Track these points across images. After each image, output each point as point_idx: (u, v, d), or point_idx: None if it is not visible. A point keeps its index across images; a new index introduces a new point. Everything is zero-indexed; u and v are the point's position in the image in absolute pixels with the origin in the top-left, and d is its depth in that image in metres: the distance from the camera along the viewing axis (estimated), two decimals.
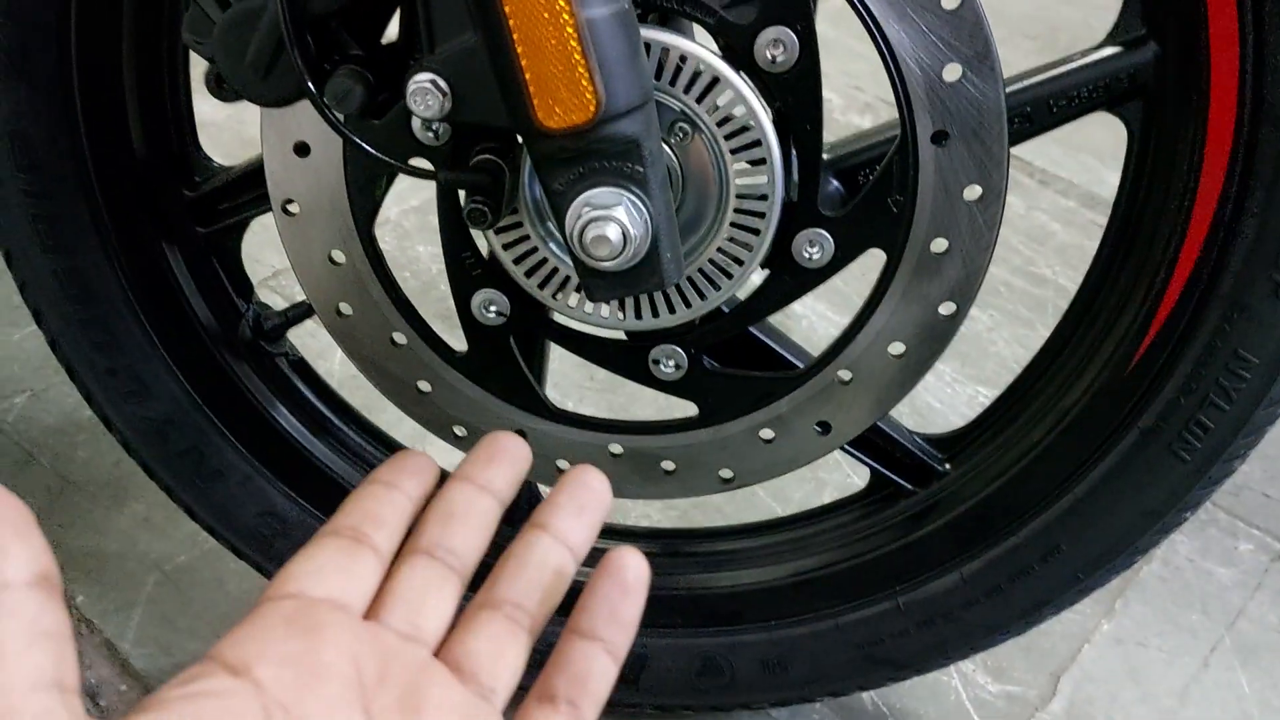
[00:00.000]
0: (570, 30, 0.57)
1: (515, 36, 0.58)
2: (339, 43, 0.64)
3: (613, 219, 0.62)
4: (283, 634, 0.45)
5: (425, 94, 0.62)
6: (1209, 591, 1.15)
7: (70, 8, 0.72)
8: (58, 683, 0.36)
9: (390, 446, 0.90)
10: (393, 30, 0.67)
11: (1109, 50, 0.72)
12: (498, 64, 0.59)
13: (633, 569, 0.51)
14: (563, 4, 0.57)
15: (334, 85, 0.62)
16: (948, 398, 1.29)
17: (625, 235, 0.62)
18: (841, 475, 1.18)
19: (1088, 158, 1.70)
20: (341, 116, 0.64)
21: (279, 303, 0.94)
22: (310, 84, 0.61)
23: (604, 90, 0.59)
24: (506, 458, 0.56)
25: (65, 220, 0.78)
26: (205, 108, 0.80)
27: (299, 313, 0.87)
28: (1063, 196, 1.64)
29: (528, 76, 0.58)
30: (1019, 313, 1.43)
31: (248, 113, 0.69)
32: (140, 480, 1.12)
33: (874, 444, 0.85)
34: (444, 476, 0.56)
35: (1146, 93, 0.72)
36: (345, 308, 0.77)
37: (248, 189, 0.82)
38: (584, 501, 0.55)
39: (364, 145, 0.64)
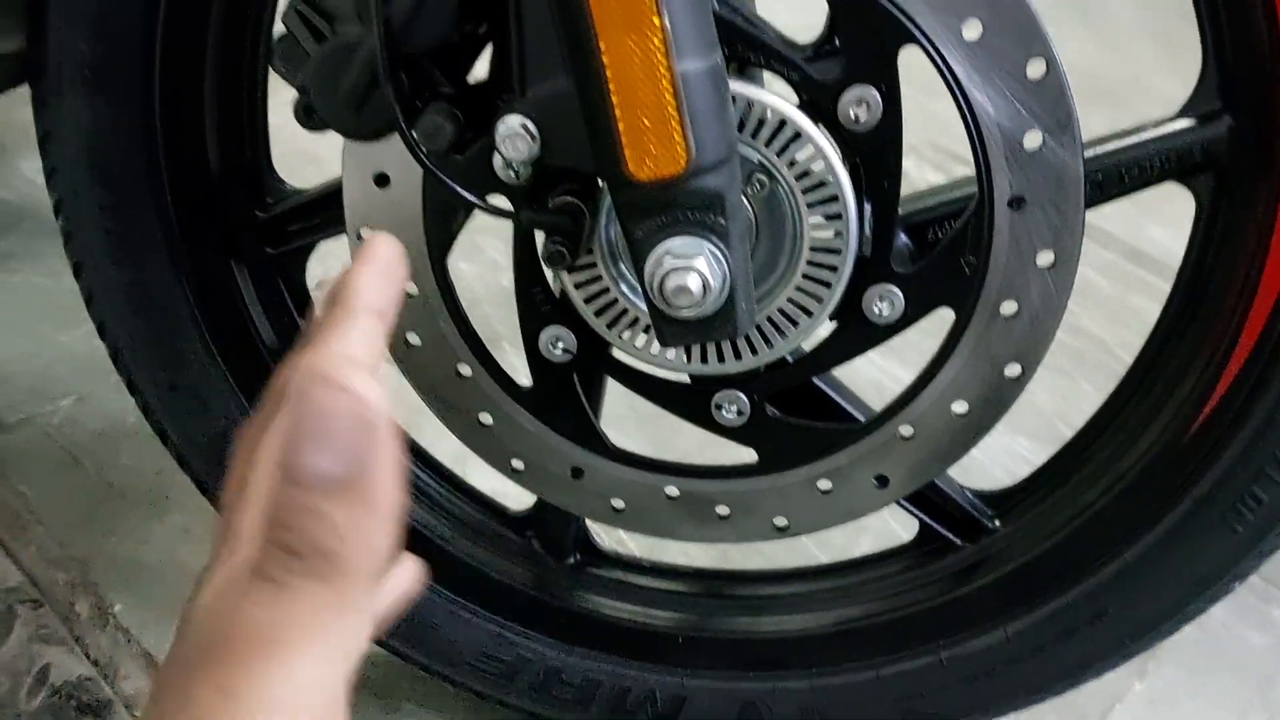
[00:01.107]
0: (666, 84, 0.58)
1: (612, 87, 0.58)
2: (430, 80, 0.65)
3: (694, 269, 0.63)
4: None
5: (515, 137, 0.63)
6: (1241, 656, 1.15)
7: (156, 27, 0.73)
8: None
9: (431, 465, 0.91)
10: (480, 68, 0.68)
11: (1183, 123, 0.73)
12: (591, 113, 0.60)
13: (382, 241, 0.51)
14: (661, 57, 0.58)
15: (425, 123, 0.63)
16: (986, 448, 1.29)
17: (705, 286, 0.63)
18: (881, 521, 1.17)
19: (1129, 208, 1.70)
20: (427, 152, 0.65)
21: None
22: (402, 121, 0.62)
23: (694, 144, 0.60)
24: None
25: (138, 235, 0.79)
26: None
27: None
28: (1104, 248, 1.64)
29: (621, 127, 0.59)
30: (1059, 364, 1.43)
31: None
32: (181, 491, 1.13)
33: (925, 497, 0.85)
34: None
35: (1219, 166, 0.73)
36: (414, 338, 0.78)
37: (318, 213, 0.83)
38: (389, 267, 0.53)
39: (451, 184, 0.65)
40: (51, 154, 0.77)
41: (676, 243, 0.63)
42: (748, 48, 0.67)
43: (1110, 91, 2.04)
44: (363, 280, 0.50)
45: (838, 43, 0.67)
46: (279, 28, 0.65)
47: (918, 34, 0.64)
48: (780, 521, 0.81)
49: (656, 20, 0.57)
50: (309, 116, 0.66)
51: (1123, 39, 2.14)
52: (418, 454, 0.92)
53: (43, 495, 1.14)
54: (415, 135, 0.63)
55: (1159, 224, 1.57)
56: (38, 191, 1.50)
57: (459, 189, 0.65)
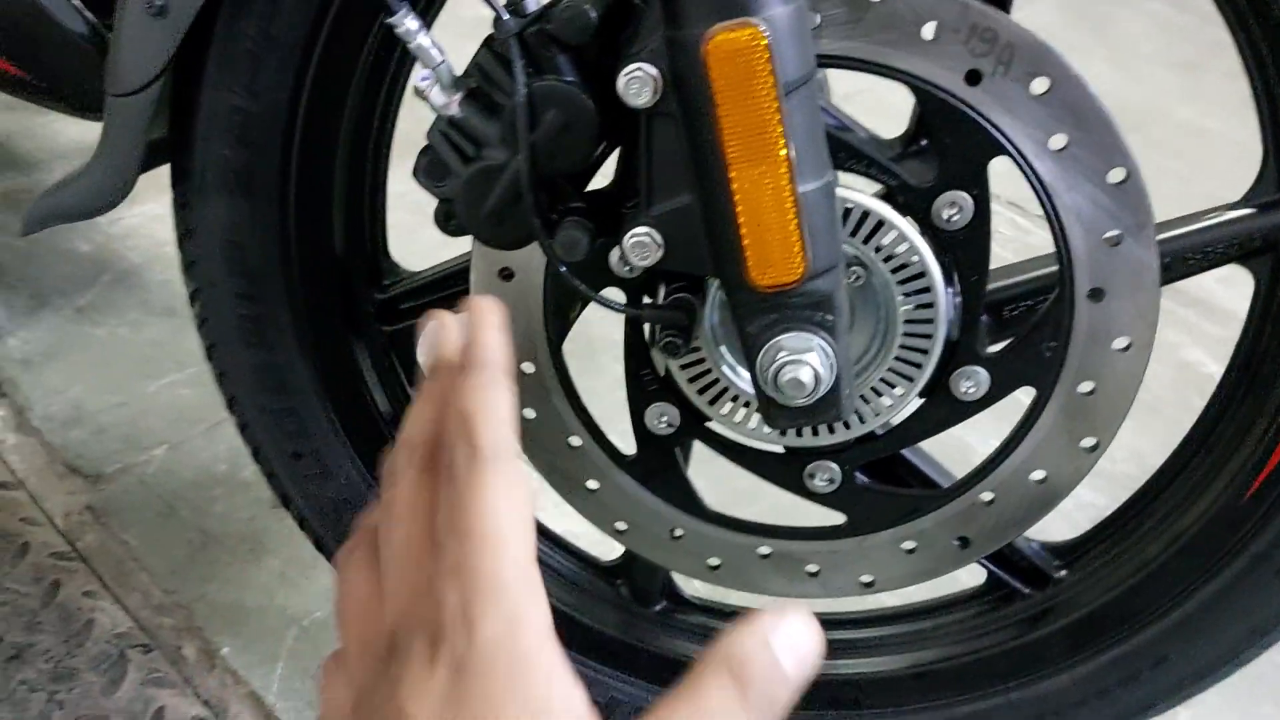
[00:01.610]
0: (789, 205, 0.64)
1: (739, 209, 0.65)
2: (562, 194, 0.71)
3: (806, 363, 0.69)
4: None
5: (643, 246, 0.69)
6: None
7: (294, 135, 0.79)
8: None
9: (551, 537, 0.97)
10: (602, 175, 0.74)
11: (1245, 211, 0.79)
12: (717, 229, 0.66)
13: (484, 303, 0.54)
14: (785, 183, 0.64)
15: (564, 236, 0.69)
16: None
17: (817, 377, 0.69)
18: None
19: None
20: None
21: None
22: (545, 237, 0.68)
23: (811, 254, 0.66)
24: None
25: (269, 319, 0.85)
26: None
27: None
28: None
29: (746, 243, 0.65)
30: None
31: None
32: (276, 536, 1.19)
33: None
34: None
35: (1277, 250, 0.79)
36: (529, 413, 0.84)
37: (430, 294, 0.89)
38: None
39: (583, 287, 0.71)
40: (191, 249, 0.83)
41: (789, 338, 0.69)
42: (846, 156, 0.73)
43: (1132, 119, 2.11)
44: (491, 338, 0.53)
45: (929, 145, 0.73)
46: (425, 142, 0.71)
47: (1009, 147, 0.70)
48: (866, 579, 0.87)
49: (783, 153, 0.63)
50: (448, 224, 0.73)
51: (1144, 68, 2.20)
52: None
53: (144, 543, 1.20)
54: (554, 248, 0.69)
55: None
56: (114, 243, 1.57)
57: (585, 289, 0.71)
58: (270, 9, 0.74)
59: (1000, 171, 0.72)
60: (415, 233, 0.85)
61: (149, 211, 1.57)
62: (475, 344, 0.53)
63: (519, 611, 0.45)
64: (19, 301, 1.48)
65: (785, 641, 0.45)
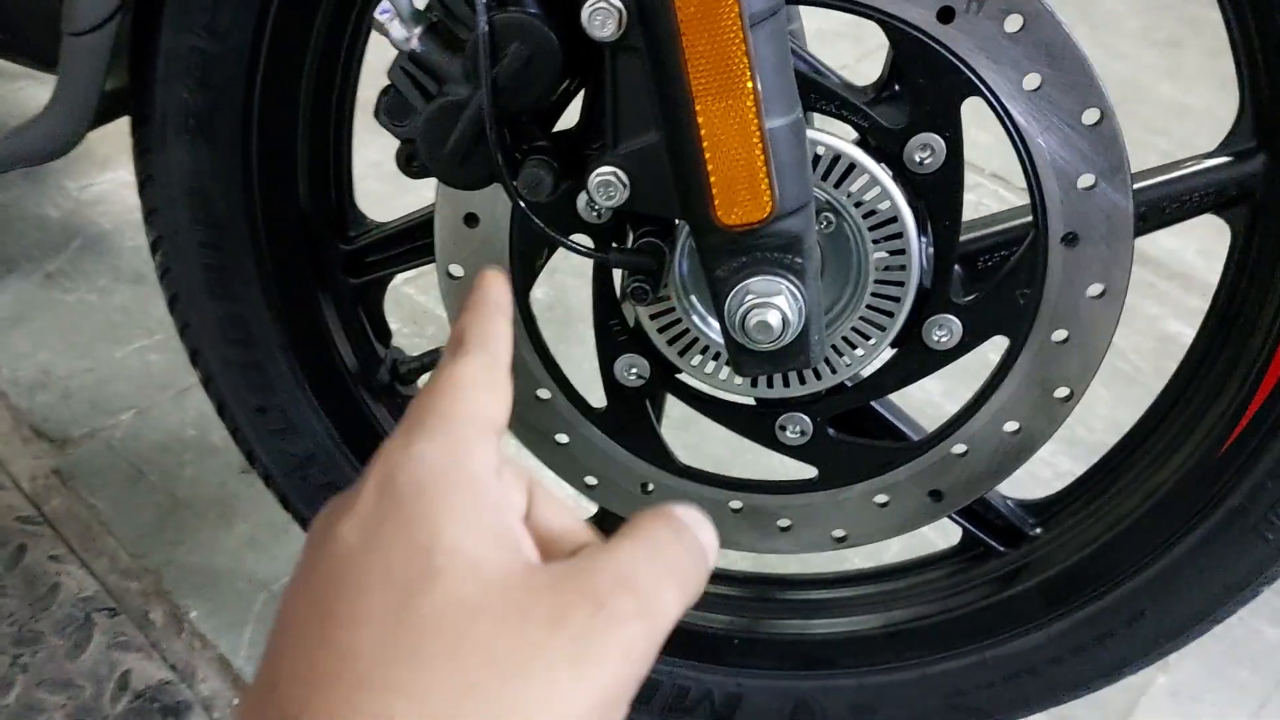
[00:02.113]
0: (756, 140, 0.63)
1: (705, 145, 0.63)
2: (526, 133, 0.69)
3: (774, 306, 0.68)
4: None
5: (608, 185, 0.67)
6: (1258, 650, 1.21)
7: (256, 78, 0.78)
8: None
9: None
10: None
11: (1221, 159, 0.78)
12: (683, 166, 0.65)
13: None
14: (752, 117, 0.63)
15: (527, 175, 0.68)
16: None
17: (784, 321, 0.68)
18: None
19: None
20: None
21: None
22: (506, 174, 0.67)
23: (779, 193, 0.65)
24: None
25: (234, 270, 0.83)
26: None
27: (434, 358, 0.92)
28: None
29: (712, 180, 0.64)
30: None
31: None
32: (245, 501, 1.18)
33: (969, 506, 0.90)
34: None
35: (1253, 200, 0.78)
36: None
37: (397, 245, 0.87)
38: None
39: (545, 228, 0.69)
40: (152, 196, 0.81)
41: (757, 281, 0.68)
42: (818, 97, 0.72)
43: (1116, 96, 2.10)
44: (490, 325, 0.54)
45: (901, 89, 0.71)
46: (385, 82, 0.69)
47: (981, 87, 0.69)
48: (838, 533, 0.86)
49: (749, 85, 0.61)
50: (409, 164, 0.71)
51: (1127, 45, 2.20)
52: None
53: (111, 507, 1.19)
54: (517, 186, 0.68)
55: (1166, 233, 1.62)
56: (84, 209, 1.55)
57: (549, 230, 0.69)
58: None
59: (985, 144, 0.71)
60: (388, 202, 0.83)
61: (120, 178, 1.55)
62: (468, 326, 0.54)
63: (463, 440, 0.45)
64: None
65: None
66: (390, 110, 0.69)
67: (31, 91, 1.65)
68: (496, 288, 0.57)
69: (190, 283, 0.84)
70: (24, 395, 1.29)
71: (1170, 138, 1.91)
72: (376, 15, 0.66)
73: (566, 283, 1.41)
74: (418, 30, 0.66)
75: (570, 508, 0.51)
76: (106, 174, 1.56)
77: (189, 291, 0.85)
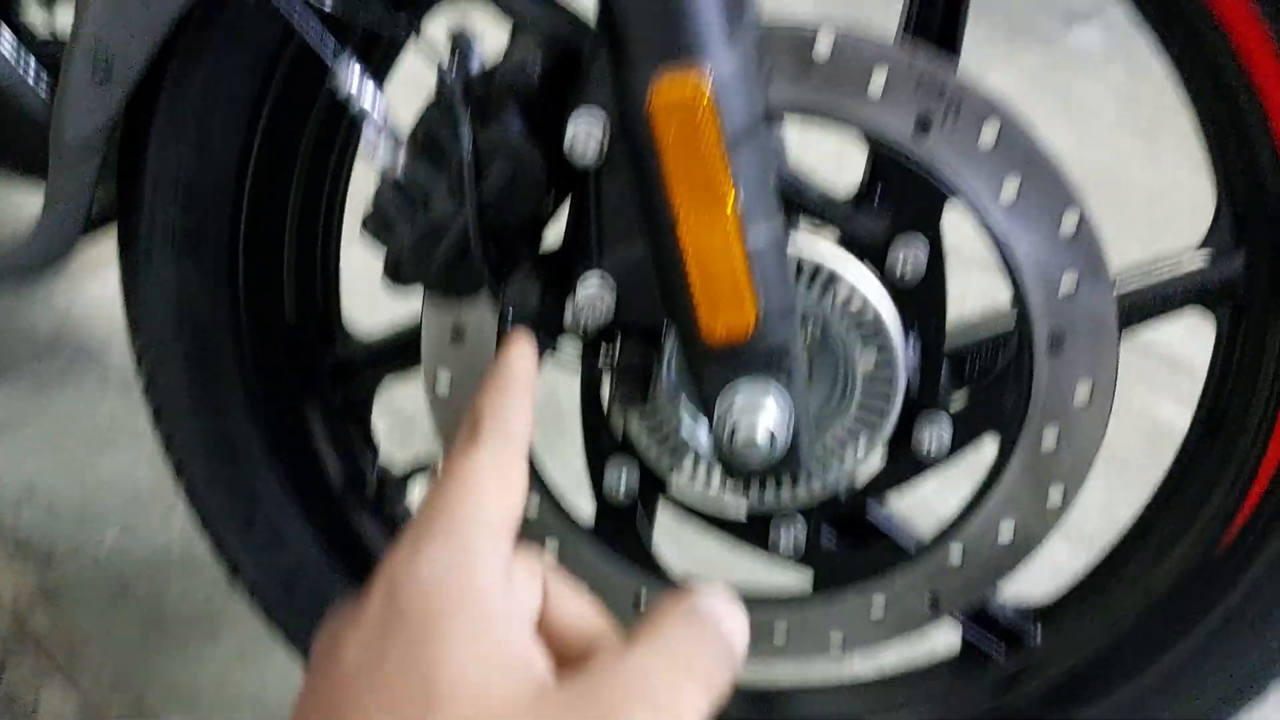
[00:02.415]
0: (740, 253, 0.63)
1: (689, 257, 0.64)
2: (512, 246, 0.70)
3: (762, 415, 0.68)
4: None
5: (594, 298, 0.67)
6: None
7: (244, 194, 0.78)
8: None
9: None
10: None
11: (1201, 256, 0.78)
12: (667, 280, 0.65)
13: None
14: (734, 229, 0.63)
15: (514, 289, 0.68)
16: None
17: (773, 432, 0.68)
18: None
19: None
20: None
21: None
22: (494, 289, 0.67)
23: (762, 304, 0.65)
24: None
25: (219, 383, 0.83)
26: None
27: (420, 471, 0.91)
28: None
29: (695, 293, 0.64)
30: None
31: None
32: (232, 616, 1.16)
33: (968, 609, 0.89)
34: None
35: (1236, 296, 0.78)
36: None
37: (385, 358, 0.87)
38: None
39: (542, 343, 0.69)
40: (137, 312, 0.82)
41: (744, 392, 0.68)
42: (799, 208, 0.72)
43: (1095, 182, 2.13)
44: (510, 403, 0.53)
45: (880, 197, 0.72)
46: (371, 199, 0.70)
47: (960, 194, 0.70)
48: (836, 639, 0.84)
49: (731, 201, 0.62)
50: (397, 275, 0.71)
51: (1105, 133, 2.23)
52: None
53: (96, 624, 1.17)
54: (505, 300, 0.68)
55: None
56: (75, 317, 1.55)
57: (545, 348, 0.69)
58: (217, 69, 0.73)
59: (969, 233, 0.71)
60: (379, 305, 0.83)
61: (112, 286, 1.55)
62: (486, 405, 0.54)
63: (469, 548, 0.44)
64: None
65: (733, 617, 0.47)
66: (377, 226, 0.70)
67: (19, 199, 1.66)
68: (521, 359, 0.56)
69: (174, 396, 0.84)
70: (9, 509, 1.28)
71: (1152, 223, 1.94)
72: (366, 140, 0.67)
73: (555, 379, 1.41)
74: (402, 150, 0.66)
75: (587, 599, 0.50)
76: (98, 283, 1.57)
77: (173, 405, 0.84)
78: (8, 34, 0.83)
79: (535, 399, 0.55)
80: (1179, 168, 2.09)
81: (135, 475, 1.32)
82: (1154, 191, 2.05)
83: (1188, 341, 1.66)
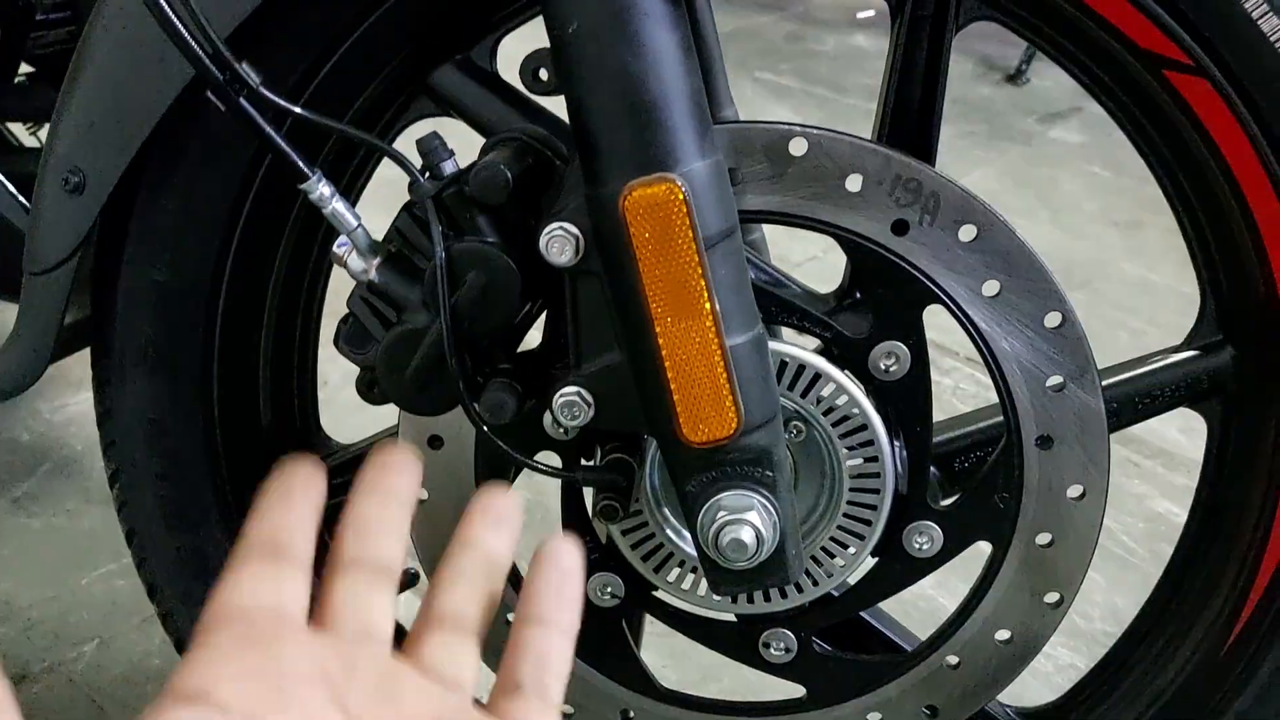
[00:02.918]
0: (718, 359, 0.62)
1: (667, 365, 0.63)
2: (488, 356, 0.69)
3: (746, 522, 0.66)
4: (236, 651, 0.43)
5: (573, 406, 0.66)
6: None
7: (218, 307, 0.77)
8: None
9: None
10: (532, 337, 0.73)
11: (1188, 354, 0.78)
12: (647, 385, 0.64)
13: (567, 553, 0.52)
14: (712, 336, 0.62)
15: (489, 398, 0.67)
16: None
17: (759, 538, 0.66)
18: None
19: None
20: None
21: None
22: (468, 400, 0.66)
23: (743, 409, 0.64)
24: (400, 467, 0.56)
25: (192, 500, 0.81)
26: None
27: (402, 582, 0.89)
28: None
29: (676, 398, 0.63)
30: None
31: None
32: None
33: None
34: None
35: (1225, 393, 0.77)
36: None
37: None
38: (501, 517, 0.55)
39: (511, 452, 0.68)
40: (110, 429, 0.80)
41: (727, 496, 0.66)
42: (779, 310, 0.72)
43: (1079, 275, 2.14)
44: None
45: (861, 298, 0.72)
46: (345, 310, 0.69)
47: (941, 294, 0.69)
48: None
49: (707, 306, 0.61)
50: (371, 391, 0.70)
51: (1087, 226, 2.26)
52: None
53: None
54: (479, 411, 0.66)
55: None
56: (55, 431, 1.53)
57: (515, 454, 0.68)
58: (191, 182, 0.73)
59: (955, 328, 0.71)
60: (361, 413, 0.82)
61: (89, 400, 1.54)
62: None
63: None
64: None
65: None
66: (350, 339, 0.69)
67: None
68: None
69: (146, 515, 0.82)
70: None
71: (1138, 315, 1.94)
72: (335, 249, 0.66)
73: (546, 485, 1.39)
74: (376, 261, 0.66)
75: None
76: (80, 396, 1.55)
77: (145, 524, 0.82)
78: None
79: (407, 512, 0.53)
80: (1162, 259, 2.11)
81: (114, 587, 1.29)
82: (1138, 283, 2.06)
83: (1180, 438, 1.66)
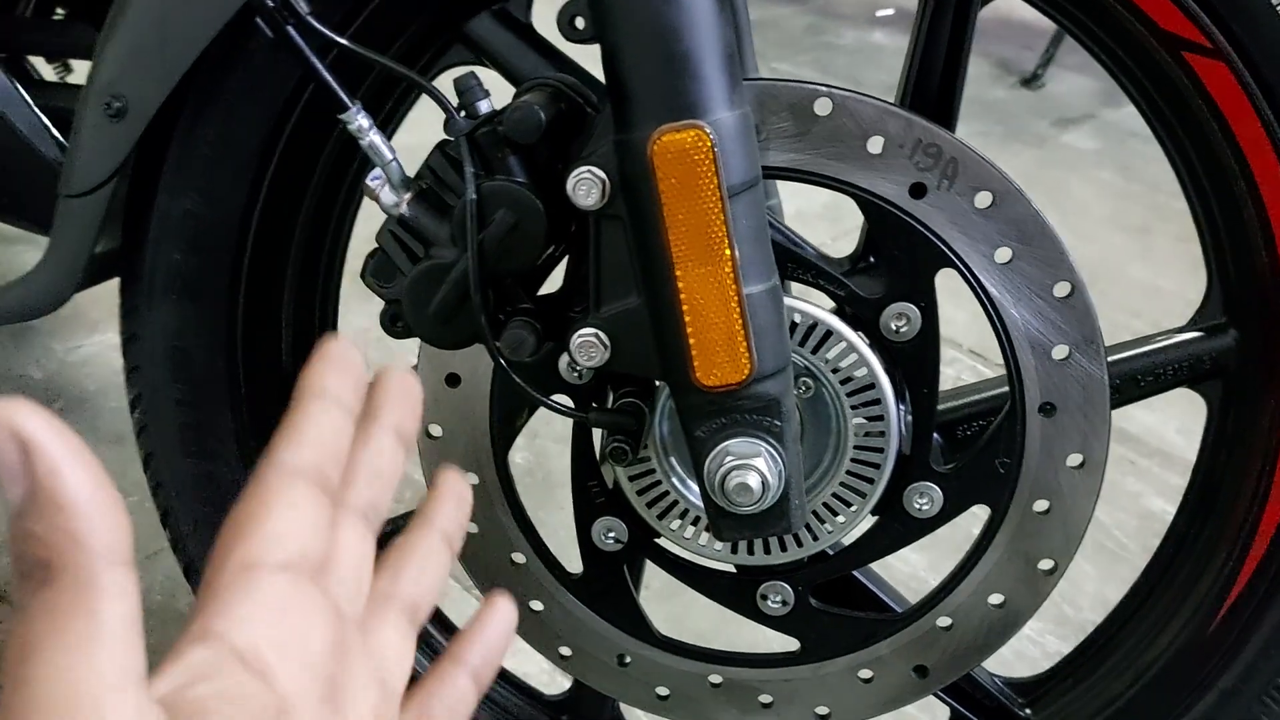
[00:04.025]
0: (735, 306, 0.64)
1: (685, 307, 0.64)
2: (510, 295, 0.71)
3: (753, 468, 0.67)
4: (254, 594, 0.41)
5: (590, 347, 0.68)
6: None
7: (248, 241, 0.79)
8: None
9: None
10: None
11: (1192, 334, 0.79)
12: (663, 328, 0.66)
13: (505, 610, 0.54)
14: (730, 283, 0.64)
15: (509, 336, 0.68)
16: None
17: (764, 484, 0.67)
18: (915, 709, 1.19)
19: None
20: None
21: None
22: (490, 335, 0.67)
23: (756, 356, 0.65)
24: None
25: (211, 429, 0.83)
26: None
27: (403, 522, 0.91)
28: None
29: (692, 342, 0.65)
30: None
31: None
32: None
33: (957, 685, 0.87)
34: None
35: (1227, 374, 0.79)
36: (471, 527, 0.81)
37: None
38: (460, 495, 0.55)
39: (527, 388, 0.70)
40: (135, 354, 0.82)
41: (735, 443, 0.68)
42: (795, 266, 0.73)
43: (1088, 278, 2.16)
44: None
45: (876, 260, 0.73)
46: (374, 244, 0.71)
47: (955, 260, 0.71)
48: (821, 710, 0.83)
49: (728, 252, 0.63)
50: (394, 325, 0.72)
51: (1098, 231, 2.27)
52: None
53: None
54: (500, 346, 0.68)
55: (1147, 410, 1.63)
56: (68, 370, 1.55)
57: (532, 391, 0.70)
58: (230, 113, 0.75)
59: (961, 321, 0.72)
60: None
61: (107, 340, 1.55)
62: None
63: None
64: None
65: None
66: (377, 272, 0.70)
67: (30, 256, 1.68)
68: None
69: (165, 440, 0.83)
70: None
71: (1144, 318, 1.96)
72: (368, 181, 0.68)
73: (548, 448, 1.41)
74: (407, 196, 0.68)
75: None
76: (95, 336, 1.57)
77: (164, 449, 0.84)
78: (20, 88, 0.84)
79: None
80: (1169, 265, 2.13)
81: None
82: (1145, 287, 2.08)
83: (1177, 438, 1.67)
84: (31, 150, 0.85)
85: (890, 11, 3.22)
